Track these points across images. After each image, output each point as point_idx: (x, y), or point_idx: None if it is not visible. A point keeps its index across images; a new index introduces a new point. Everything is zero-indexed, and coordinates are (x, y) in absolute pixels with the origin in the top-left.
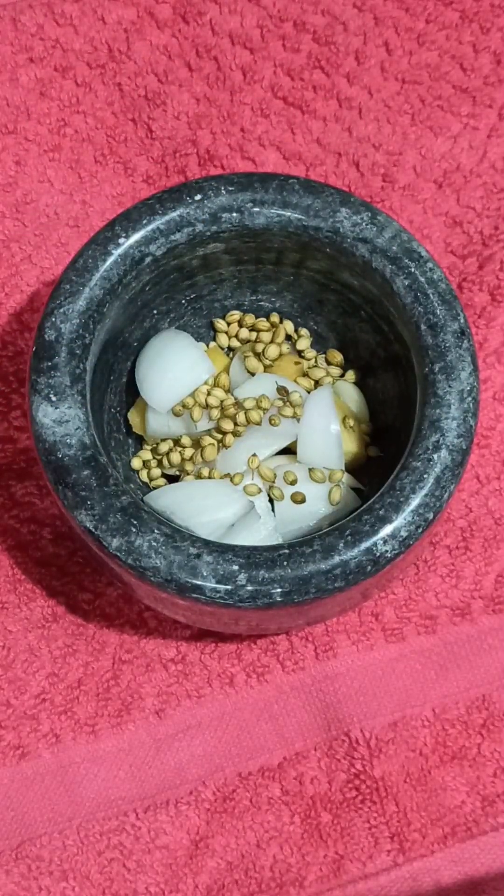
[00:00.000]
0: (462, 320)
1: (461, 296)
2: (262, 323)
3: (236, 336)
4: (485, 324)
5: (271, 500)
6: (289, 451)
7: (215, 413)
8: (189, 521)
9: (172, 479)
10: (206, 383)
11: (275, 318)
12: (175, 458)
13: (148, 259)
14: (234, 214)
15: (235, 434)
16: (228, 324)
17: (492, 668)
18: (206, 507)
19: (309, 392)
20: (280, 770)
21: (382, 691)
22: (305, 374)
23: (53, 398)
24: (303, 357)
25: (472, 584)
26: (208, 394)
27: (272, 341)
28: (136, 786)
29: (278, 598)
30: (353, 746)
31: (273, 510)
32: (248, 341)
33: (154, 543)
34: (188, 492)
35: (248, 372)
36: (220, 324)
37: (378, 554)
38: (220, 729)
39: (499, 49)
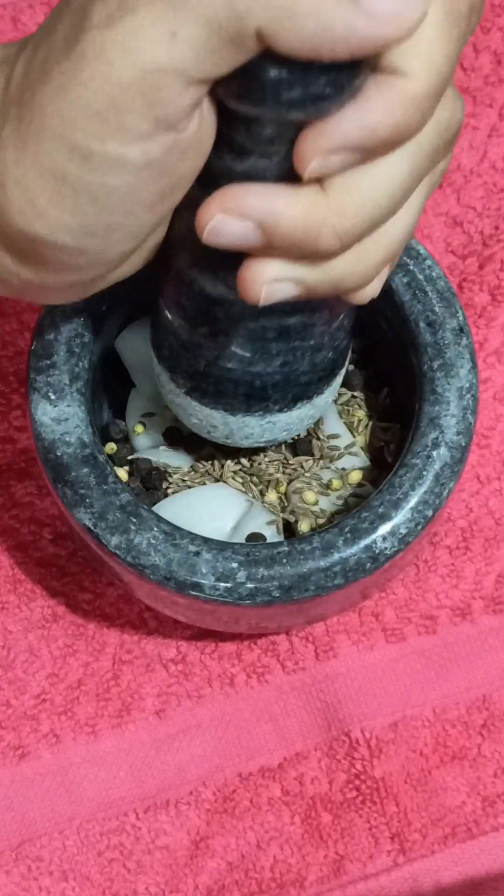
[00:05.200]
0: (461, 318)
1: (461, 296)
2: None
3: None
4: (485, 324)
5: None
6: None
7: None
8: (193, 530)
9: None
10: None
11: None
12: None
13: None
14: None
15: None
16: None
17: (492, 669)
18: (207, 515)
19: None
20: (280, 770)
21: (382, 691)
22: None
23: (52, 396)
24: None
25: (473, 585)
26: None
27: None
28: (136, 786)
29: (277, 596)
30: (354, 747)
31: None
32: None
33: (153, 541)
34: (186, 502)
35: None
36: None
37: (377, 551)
38: (220, 729)
39: (499, 49)
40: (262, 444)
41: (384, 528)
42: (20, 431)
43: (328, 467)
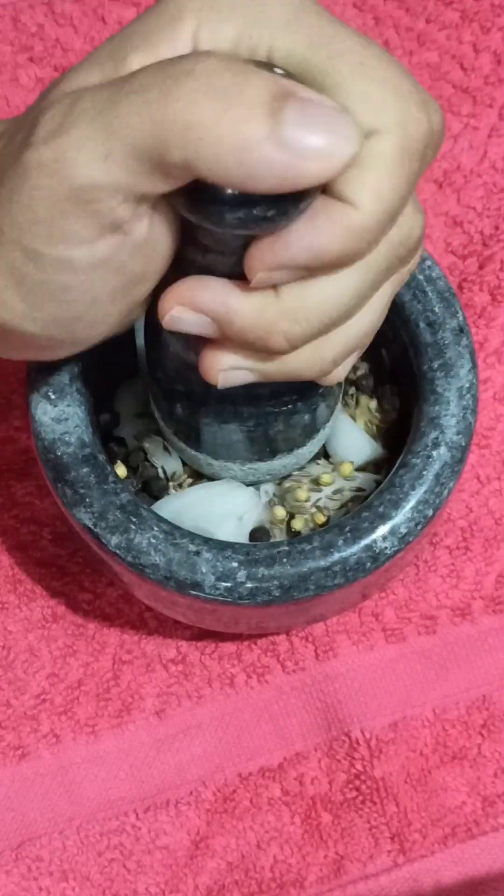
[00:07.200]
0: (461, 318)
1: (461, 296)
2: None
3: None
4: (485, 324)
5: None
6: None
7: None
8: (202, 525)
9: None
10: None
11: None
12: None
13: None
14: None
15: None
16: None
17: (492, 669)
18: (217, 507)
19: None
20: (280, 770)
21: (382, 691)
22: None
23: (52, 396)
24: None
25: (473, 585)
26: None
27: None
28: (136, 786)
29: (277, 595)
30: (354, 747)
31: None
32: None
33: (153, 541)
34: (193, 498)
35: None
36: None
37: (377, 550)
38: (220, 729)
39: (499, 49)
40: (249, 483)
41: (384, 528)
42: (20, 431)
43: (317, 463)
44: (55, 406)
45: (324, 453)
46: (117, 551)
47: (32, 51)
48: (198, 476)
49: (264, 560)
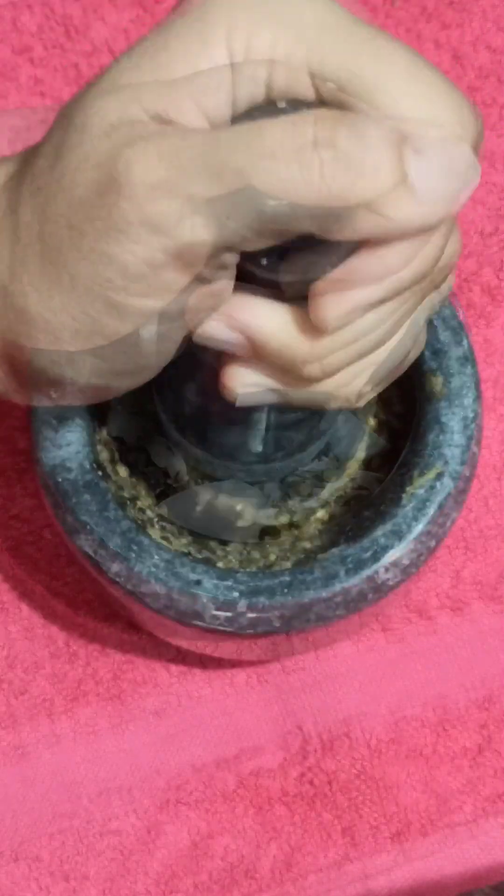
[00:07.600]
0: (466, 346)
1: (461, 296)
2: None
3: None
4: (485, 324)
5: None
6: None
7: None
8: (203, 529)
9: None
10: None
11: None
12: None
13: None
14: None
15: None
16: None
17: (492, 668)
18: (219, 510)
19: None
20: (280, 770)
21: (382, 691)
22: None
23: (54, 421)
24: None
25: (473, 585)
26: None
27: None
28: (135, 786)
29: (278, 626)
30: (354, 747)
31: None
32: None
33: (154, 569)
34: (194, 500)
35: None
36: None
37: (379, 582)
38: (219, 729)
39: (499, 49)
40: (247, 482)
41: (386, 559)
42: (20, 432)
43: (321, 460)
44: (56, 431)
45: (327, 450)
46: (117, 579)
47: (32, 51)
48: (201, 476)
49: (265, 590)
